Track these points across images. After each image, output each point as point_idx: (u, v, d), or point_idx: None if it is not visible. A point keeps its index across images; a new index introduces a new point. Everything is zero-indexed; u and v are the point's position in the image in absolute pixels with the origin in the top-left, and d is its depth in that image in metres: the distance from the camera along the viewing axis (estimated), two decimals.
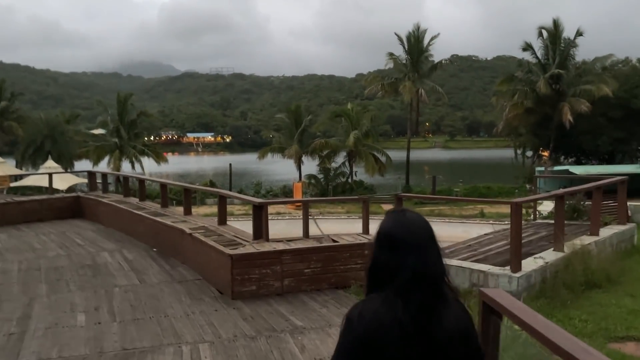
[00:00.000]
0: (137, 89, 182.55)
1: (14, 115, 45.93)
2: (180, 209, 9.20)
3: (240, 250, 6.10)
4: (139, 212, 9.14)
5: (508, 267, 6.27)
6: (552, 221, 9.48)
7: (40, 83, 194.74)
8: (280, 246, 6.31)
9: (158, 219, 8.46)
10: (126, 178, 11.79)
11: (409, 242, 1.52)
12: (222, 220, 7.69)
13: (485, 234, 9.64)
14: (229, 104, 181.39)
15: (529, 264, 6.42)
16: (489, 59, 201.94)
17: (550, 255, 6.91)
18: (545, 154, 42.57)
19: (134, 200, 10.72)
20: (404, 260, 1.50)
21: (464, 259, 6.83)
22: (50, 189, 12.99)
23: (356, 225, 30.68)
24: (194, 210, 13.89)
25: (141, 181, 10.84)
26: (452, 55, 44.18)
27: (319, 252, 6.24)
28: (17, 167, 37.76)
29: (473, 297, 6.34)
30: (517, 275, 6.05)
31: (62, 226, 10.86)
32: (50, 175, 13.92)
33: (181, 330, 5.02)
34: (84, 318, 5.41)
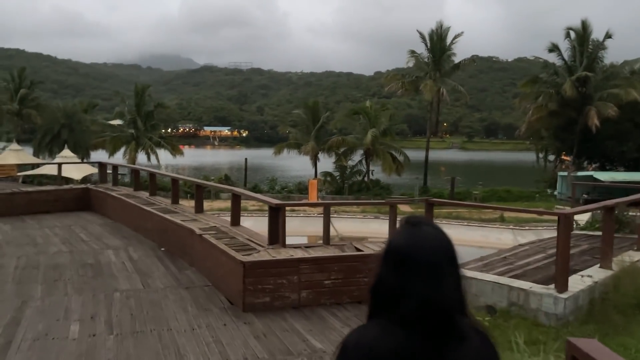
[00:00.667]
0: (156, 81, 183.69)
1: (33, 103, 46.10)
2: (192, 204, 8.68)
3: (254, 257, 5.50)
4: (148, 208, 8.62)
5: (552, 286, 5.58)
6: (593, 233, 8.75)
7: (61, 73, 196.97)
8: (299, 253, 5.68)
9: (167, 216, 7.91)
10: (137, 171, 11.23)
11: (419, 264, 1.27)
12: (236, 221, 7.09)
13: (520, 245, 8.89)
14: (246, 98, 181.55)
15: (576, 283, 5.72)
16: (509, 60, 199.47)
17: (597, 273, 6.21)
18: (568, 158, 41.45)
19: (145, 194, 10.19)
20: (410, 284, 1.26)
21: (501, 274, 6.15)
22: (59, 180, 12.53)
23: (371, 226, 30.02)
24: (208, 204, 13.35)
25: (152, 175, 10.27)
26: (472, 56, 43.15)
27: (341, 261, 5.58)
28: (34, 155, 37.81)
29: (511, 318, 5.68)
30: (564, 296, 5.36)
31: (68, 219, 10.40)
32: (59, 165, 13.48)
33: (184, 347, 4.43)
34: (77, 328, 4.86)
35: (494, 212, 32.81)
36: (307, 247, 5.96)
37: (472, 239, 26.50)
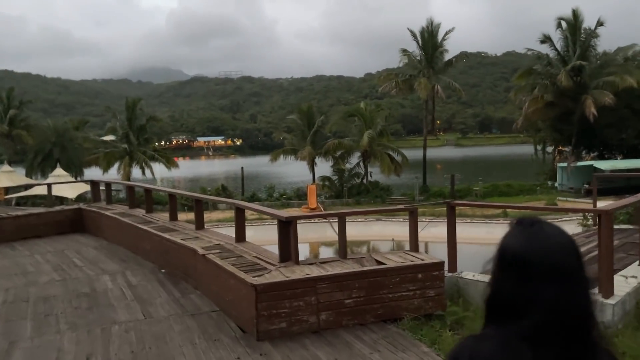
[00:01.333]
0: (147, 95, 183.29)
1: (23, 124, 45.41)
2: (192, 216, 8.14)
3: (266, 278, 4.92)
4: (145, 227, 8.05)
5: (595, 290, 5.05)
6: (618, 227, 8.24)
7: (51, 92, 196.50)
8: (314, 271, 5.10)
9: (166, 235, 7.35)
10: (131, 188, 10.60)
11: (547, 268, 1.12)
12: (241, 237, 6.49)
13: None
14: (238, 107, 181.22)
15: (620, 286, 5.19)
16: (498, 55, 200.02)
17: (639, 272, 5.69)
18: (565, 149, 41.08)
19: (141, 212, 9.62)
20: (538, 293, 1.11)
21: None
22: (50, 201, 11.88)
23: (374, 228, 29.46)
24: (207, 215, 12.69)
25: (148, 191, 9.69)
26: (461, 52, 42.80)
27: (362, 277, 5.01)
28: (26, 176, 37.14)
29: None
30: (611, 301, 4.83)
31: (61, 243, 9.81)
32: (49, 186, 12.85)
33: None
34: None
35: (496, 208, 32.46)
36: (322, 262, 5.39)
37: (477, 236, 25.99)
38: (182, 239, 6.88)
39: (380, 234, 29.02)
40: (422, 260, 5.21)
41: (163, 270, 7.21)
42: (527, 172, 50.28)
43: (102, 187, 12.31)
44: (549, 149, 45.36)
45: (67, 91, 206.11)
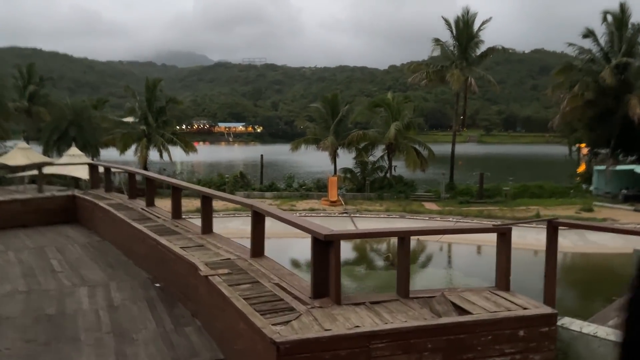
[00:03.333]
0: (170, 78, 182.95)
1: (43, 101, 44.67)
2: (197, 205, 6.63)
3: (294, 330, 3.39)
4: (140, 227, 6.59)
5: None
6: None
7: (77, 71, 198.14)
8: (366, 320, 3.51)
9: (164, 240, 5.87)
10: (132, 175, 9.11)
11: None
12: (258, 251, 5.00)
13: None
14: (260, 94, 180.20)
15: None
16: (526, 52, 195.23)
17: None
18: (599, 151, 38.76)
19: (141, 203, 8.12)
20: None
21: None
22: (40, 186, 10.39)
23: (397, 225, 27.70)
24: (220, 204, 11.03)
25: (149, 180, 8.22)
26: (497, 45, 40.51)
27: (437, 334, 3.45)
28: (43, 154, 36.29)
29: None
30: None
31: (45, 237, 8.43)
32: (39, 168, 11.39)
33: None
34: None
35: (527, 210, 30.48)
36: (374, 303, 3.79)
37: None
38: (182, 247, 5.33)
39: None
40: (524, 308, 3.60)
41: (157, 284, 5.68)
42: (555, 173, 47.98)
43: (102, 170, 10.81)
44: (584, 150, 43.07)
45: (93, 71, 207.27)
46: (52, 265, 6.89)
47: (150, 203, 8.03)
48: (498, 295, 3.81)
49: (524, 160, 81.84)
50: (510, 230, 4.05)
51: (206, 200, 6.22)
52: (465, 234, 15.59)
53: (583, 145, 43.33)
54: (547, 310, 3.57)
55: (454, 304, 3.64)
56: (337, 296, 3.62)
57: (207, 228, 6.18)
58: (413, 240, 27.02)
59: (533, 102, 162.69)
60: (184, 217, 7.26)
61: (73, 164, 17.36)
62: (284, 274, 4.48)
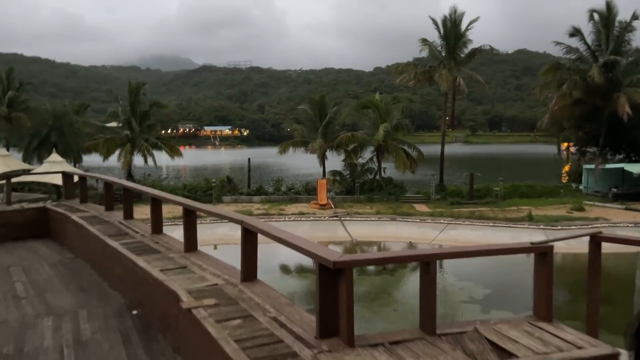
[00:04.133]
0: (155, 82, 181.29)
1: (23, 106, 43.65)
2: (179, 225, 6.03)
3: None
4: (115, 245, 5.97)
5: None
6: None
7: (60, 76, 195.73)
8: None
9: (141, 262, 5.14)
10: (109, 184, 8.31)
11: None
12: (250, 274, 4.33)
13: None
14: (246, 97, 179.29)
15: None
16: (509, 52, 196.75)
17: None
18: (587, 150, 38.75)
19: (119, 216, 7.55)
20: None
21: None
22: (8, 198, 9.61)
23: (388, 229, 26.99)
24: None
25: (126, 190, 7.49)
26: (483, 45, 40.14)
27: None
28: (23, 160, 35.34)
29: None
30: None
31: (12, 255, 7.66)
32: (7, 178, 10.61)
33: None
34: None
35: (519, 210, 30.20)
36: (393, 343, 3.03)
37: (501, 242, 23.82)
38: (161, 270, 4.73)
39: (394, 235, 26.83)
40: (578, 347, 2.96)
41: (135, 311, 5.08)
42: (543, 173, 48.03)
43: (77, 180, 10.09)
44: (572, 149, 43.08)
45: (76, 76, 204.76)
46: (16, 290, 6.07)
47: (129, 216, 7.37)
48: (541, 328, 3.17)
49: (511, 160, 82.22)
50: (552, 249, 3.43)
51: (189, 214, 5.53)
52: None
53: (569, 144, 43.39)
54: (606, 349, 2.93)
55: (489, 341, 3.06)
56: (350, 336, 2.97)
57: (190, 245, 5.53)
58: (404, 243, 26.35)
59: (517, 102, 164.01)
60: (166, 227, 6.66)
61: (47, 172, 16.54)
62: (281, 304, 3.80)
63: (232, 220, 4.32)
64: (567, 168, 44.16)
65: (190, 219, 5.42)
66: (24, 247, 8.13)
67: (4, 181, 17.73)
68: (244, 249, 4.23)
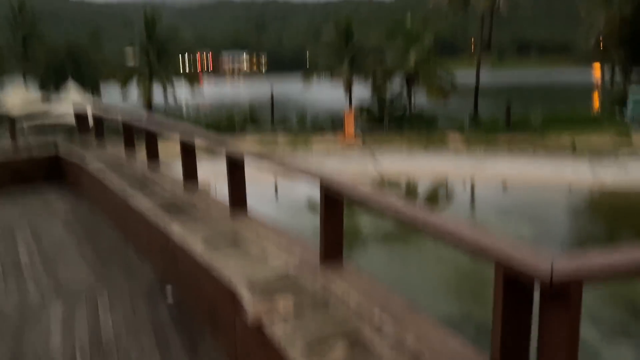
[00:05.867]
0: (171, 16, 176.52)
1: (38, 41, 42.51)
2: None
3: None
4: (139, 205, 4.52)
5: None
6: None
7: (74, 12, 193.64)
8: None
9: (176, 229, 3.77)
10: (129, 126, 6.76)
11: None
12: (335, 252, 2.87)
13: None
14: (264, 29, 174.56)
15: None
16: None
17: None
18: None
19: (143, 159, 6.04)
20: None
21: None
22: (14, 144, 8.08)
23: (420, 162, 25.32)
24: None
25: (150, 134, 5.96)
26: None
27: None
28: (40, 88, 34.48)
29: None
30: None
31: (18, 207, 6.42)
32: (12, 121, 9.13)
33: None
34: None
35: (559, 139, 28.15)
36: None
37: (539, 176, 22.09)
38: (206, 246, 3.28)
39: (426, 169, 25.15)
40: None
41: (169, 286, 3.68)
42: (581, 101, 45.24)
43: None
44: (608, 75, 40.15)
45: (89, 12, 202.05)
46: (19, 259, 4.76)
47: (154, 161, 5.91)
48: None
49: (544, 88, 78.36)
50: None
51: (235, 166, 3.98)
52: None
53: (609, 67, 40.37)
54: None
55: None
56: None
57: (238, 208, 4.05)
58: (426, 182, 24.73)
59: (547, 27, 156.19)
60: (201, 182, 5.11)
61: (60, 115, 15.28)
62: (398, 308, 2.33)
63: (310, 173, 2.85)
64: (596, 95, 41.68)
65: (236, 172, 3.94)
66: (34, 197, 6.87)
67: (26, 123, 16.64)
68: (326, 218, 2.78)
